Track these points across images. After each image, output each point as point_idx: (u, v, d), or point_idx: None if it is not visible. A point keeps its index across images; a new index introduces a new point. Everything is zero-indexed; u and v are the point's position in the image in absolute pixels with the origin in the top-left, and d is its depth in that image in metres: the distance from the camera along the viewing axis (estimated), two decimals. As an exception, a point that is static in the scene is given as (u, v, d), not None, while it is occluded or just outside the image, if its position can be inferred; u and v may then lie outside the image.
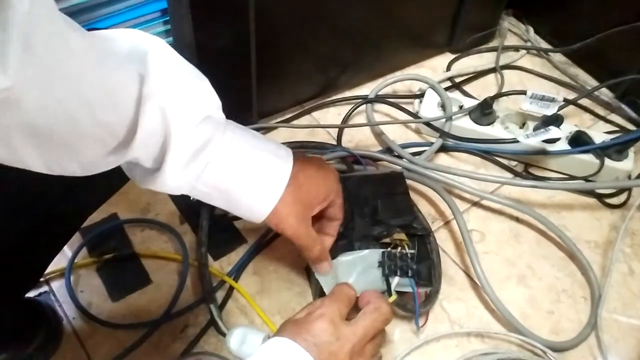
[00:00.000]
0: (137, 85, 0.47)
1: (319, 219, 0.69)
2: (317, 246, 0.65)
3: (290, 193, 0.58)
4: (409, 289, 0.73)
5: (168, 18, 0.84)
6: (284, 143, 0.93)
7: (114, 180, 0.64)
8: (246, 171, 0.56)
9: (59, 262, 0.78)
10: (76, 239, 0.81)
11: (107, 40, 0.49)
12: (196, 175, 0.53)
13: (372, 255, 0.73)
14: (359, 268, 0.72)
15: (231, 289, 0.80)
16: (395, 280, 0.72)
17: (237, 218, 0.86)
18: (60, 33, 0.40)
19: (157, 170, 0.51)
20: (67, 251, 0.80)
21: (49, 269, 0.74)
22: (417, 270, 0.73)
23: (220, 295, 0.79)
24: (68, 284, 0.78)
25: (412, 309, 0.75)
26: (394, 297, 0.70)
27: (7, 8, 0.34)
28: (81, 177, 0.50)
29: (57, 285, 0.78)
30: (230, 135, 0.54)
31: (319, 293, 0.73)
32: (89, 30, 0.51)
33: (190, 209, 0.85)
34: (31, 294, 0.77)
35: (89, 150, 0.46)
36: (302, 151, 0.91)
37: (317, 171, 0.64)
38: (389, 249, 0.74)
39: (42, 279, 0.78)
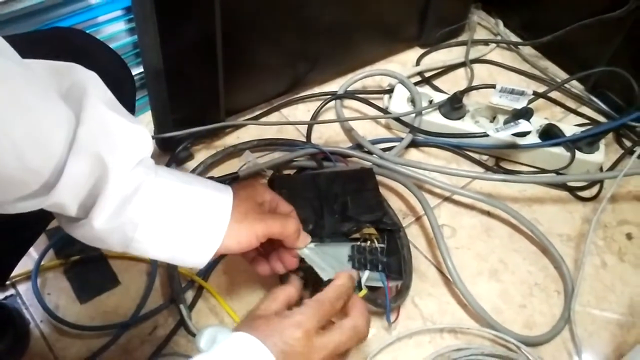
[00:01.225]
0: (71, 127, 0.45)
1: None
2: (290, 220, 0.63)
3: (237, 213, 0.57)
4: (380, 284, 0.73)
5: (132, 16, 0.85)
6: (253, 140, 0.95)
7: None
8: (185, 211, 0.54)
9: (25, 264, 0.78)
10: (42, 240, 0.81)
11: (46, 75, 0.48)
12: (128, 222, 0.51)
13: (341, 249, 0.73)
14: (329, 262, 0.71)
15: (201, 288, 0.80)
16: (365, 274, 0.72)
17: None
18: None
19: (83, 218, 0.49)
20: (33, 253, 0.80)
21: (15, 271, 0.74)
22: (387, 263, 0.73)
23: (189, 295, 0.80)
24: (35, 286, 0.78)
25: (382, 304, 0.75)
26: (364, 291, 0.70)
27: None
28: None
29: (24, 288, 0.78)
30: (163, 176, 0.53)
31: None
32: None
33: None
34: (-3, 298, 0.77)
35: (6, 193, 0.45)
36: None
37: (246, 188, 0.63)
38: (358, 243, 0.74)
39: (8, 282, 0.78)
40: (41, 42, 0.63)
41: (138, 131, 0.50)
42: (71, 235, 0.52)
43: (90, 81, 0.49)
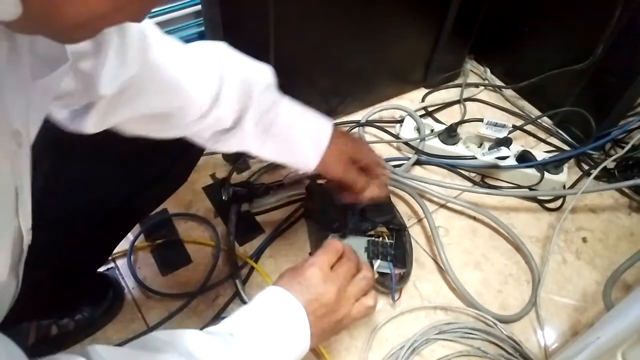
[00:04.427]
0: (218, 66, 0.51)
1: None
2: (361, 180, 0.64)
3: (333, 147, 0.59)
4: (387, 270, 0.73)
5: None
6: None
7: (165, 191, 0.66)
8: (303, 125, 0.58)
9: (123, 245, 0.79)
10: (136, 227, 0.82)
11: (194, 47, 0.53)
12: (266, 128, 0.55)
13: (360, 242, 0.73)
14: None
15: (252, 268, 0.80)
16: (377, 263, 0.72)
17: (259, 213, 0.86)
18: (166, 46, 0.47)
19: (236, 126, 0.53)
20: (129, 236, 0.81)
21: (115, 250, 0.75)
22: (395, 255, 0.73)
23: (243, 273, 0.80)
24: (129, 261, 0.79)
25: (389, 286, 0.75)
26: (375, 275, 0.70)
27: (126, 33, 0.42)
28: (139, 187, 0.54)
29: (121, 263, 0.80)
30: (288, 100, 0.57)
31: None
32: None
33: (222, 206, 0.86)
34: (102, 269, 0.78)
35: (189, 116, 0.50)
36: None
37: (352, 138, 0.65)
38: (373, 239, 0.74)
39: (110, 258, 0.80)
40: None
41: (262, 65, 0.56)
42: (219, 150, 0.56)
43: (221, 44, 0.54)
